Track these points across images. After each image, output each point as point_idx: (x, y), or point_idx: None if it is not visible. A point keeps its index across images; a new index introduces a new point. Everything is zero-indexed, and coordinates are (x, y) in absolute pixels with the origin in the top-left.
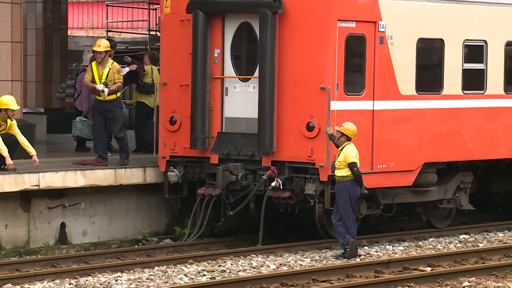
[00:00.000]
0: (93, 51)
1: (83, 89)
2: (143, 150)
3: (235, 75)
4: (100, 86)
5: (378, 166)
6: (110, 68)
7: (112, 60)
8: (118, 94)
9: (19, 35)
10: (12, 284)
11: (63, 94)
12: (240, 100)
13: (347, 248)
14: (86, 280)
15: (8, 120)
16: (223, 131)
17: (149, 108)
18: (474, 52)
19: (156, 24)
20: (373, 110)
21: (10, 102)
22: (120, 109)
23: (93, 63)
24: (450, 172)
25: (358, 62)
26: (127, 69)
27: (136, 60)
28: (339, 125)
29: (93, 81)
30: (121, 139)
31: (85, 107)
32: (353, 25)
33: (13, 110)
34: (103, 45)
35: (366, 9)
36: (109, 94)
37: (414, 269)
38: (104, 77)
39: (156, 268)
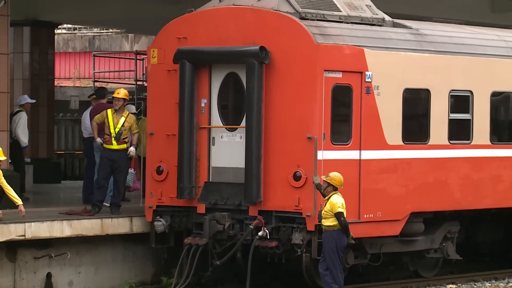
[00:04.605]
0: (112, 98)
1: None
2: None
3: (222, 124)
4: (99, 140)
5: (365, 216)
6: (125, 118)
7: (127, 111)
8: (127, 144)
9: (6, 85)
10: None
11: None
12: (227, 150)
13: None
14: None
15: None
16: (210, 180)
17: None
18: (460, 102)
19: (143, 74)
20: (359, 159)
21: None
22: (127, 159)
23: (109, 110)
24: (437, 222)
25: (344, 112)
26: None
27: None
28: (326, 175)
29: (108, 128)
30: (122, 188)
31: None
32: (340, 75)
33: (0, 161)
34: (122, 92)
35: (352, 60)
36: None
37: None
38: (119, 125)
39: None
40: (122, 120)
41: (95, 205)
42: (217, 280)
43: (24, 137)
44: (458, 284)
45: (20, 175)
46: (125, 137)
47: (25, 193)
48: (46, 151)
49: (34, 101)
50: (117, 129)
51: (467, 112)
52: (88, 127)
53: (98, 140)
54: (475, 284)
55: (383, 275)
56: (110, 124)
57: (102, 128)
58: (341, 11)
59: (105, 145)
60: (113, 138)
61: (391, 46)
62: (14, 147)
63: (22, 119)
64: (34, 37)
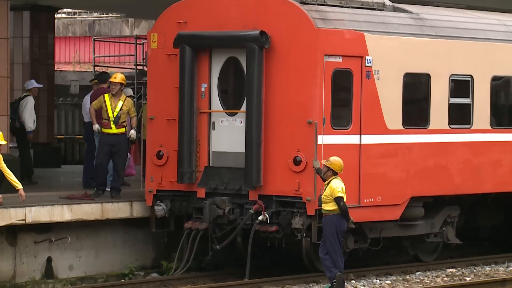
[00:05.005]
0: (110, 82)
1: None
2: None
3: (222, 109)
4: (96, 127)
5: (365, 200)
6: (123, 102)
7: (125, 95)
8: (126, 128)
9: (6, 70)
10: None
11: None
12: (227, 134)
13: (334, 282)
14: None
15: None
16: (210, 165)
17: None
18: (461, 87)
19: (143, 58)
20: (360, 144)
21: None
22: (127, 142)
23: (106, 95)
24: (437, 206)
25: (345, 97)
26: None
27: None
28: (326, 159)
29: (107, 112)
30: (122, 173)
31: None
32: (340, 60)
33: (0, 145)
34: (119, 77)
35: (352, 44)
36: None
37: None
38: (117, 109)
39: None
40: (120, 104)
41: (98, 189)
42: (217, 264)
43: (30, 122)
44: (458, 268)
45: (27, 159)
46: (123, 121)
47: (33, 175)
48: (46, 135)
49: (41, 85)
50: (115, 113)
51: (467, 96)
52: (88, 112)
53: (96, 127)
54: (474, 268)
55: (383, 260)
56: (108, 108)
57: (100, 115)
58: None
59: (103, 130)
60: (111, 122)
61: (392, 31)
62: (21, 132)
63: (29, 103)
64: (34, 21)
